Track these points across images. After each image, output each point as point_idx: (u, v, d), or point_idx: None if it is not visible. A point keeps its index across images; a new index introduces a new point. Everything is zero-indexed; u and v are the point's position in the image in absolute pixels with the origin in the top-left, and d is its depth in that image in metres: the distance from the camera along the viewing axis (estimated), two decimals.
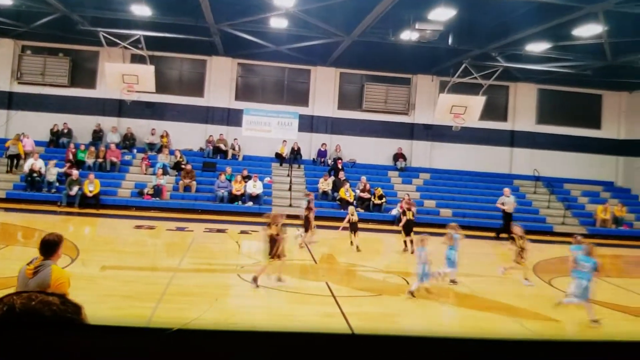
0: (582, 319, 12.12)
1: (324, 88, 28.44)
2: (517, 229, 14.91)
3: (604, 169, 29.44)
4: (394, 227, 23.08)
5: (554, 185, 27.80)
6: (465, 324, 11.05)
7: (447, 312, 11.84)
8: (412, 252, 17.87)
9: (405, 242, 18.02)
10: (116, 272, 12.71)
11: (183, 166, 25.65)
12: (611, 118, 29.90)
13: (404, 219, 18.18)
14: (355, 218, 17.96)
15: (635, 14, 16.14)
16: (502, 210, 22.37)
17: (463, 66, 24.16)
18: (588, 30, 18.42)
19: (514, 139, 29.21)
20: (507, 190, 23.35)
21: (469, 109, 24.84)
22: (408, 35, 19.97)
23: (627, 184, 29.29)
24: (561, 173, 28.65)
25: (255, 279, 12.12)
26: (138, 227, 19.56)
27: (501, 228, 21.99)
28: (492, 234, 23.20)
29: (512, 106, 29.46)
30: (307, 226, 17.54)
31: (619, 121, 29.86)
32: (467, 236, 22.53)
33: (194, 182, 25.09)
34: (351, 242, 18.18)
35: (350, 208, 18.50)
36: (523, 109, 29.31)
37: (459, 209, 25.43)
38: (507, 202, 22.45)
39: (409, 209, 18.40)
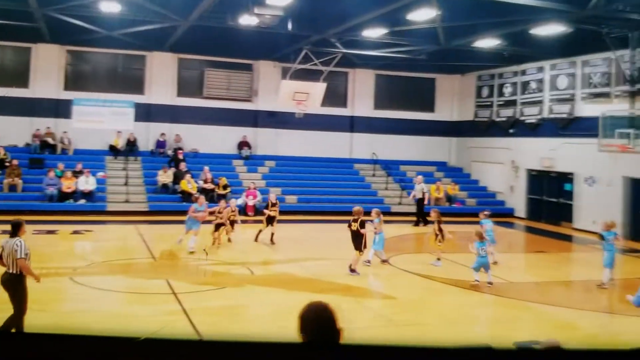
0: (420, 295, 13.13)
1: (162, 75, 27.82)
2: (433, 214, 16.10)
3: (438, 150, 31.50)
4: (239, 217, 23.31)
5: (391, 167, 29.38)
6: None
7: (288, 298, 12.25)
8: (272, 242, 18.15)
9: (260, 231, 18.19)
10: None
11: (7, 163, 24.04)
12: (444, 101, 31.95)
13: (267, 212, 18.30)
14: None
15: None
16: (413, 197, 24.17)
17: (303, 52, 24.68)
18: (422, 15, 19.23)
19: (353, 124, 30.38)
20: (418, 177, 24.91)
21: (311, 96, 25.45)
22: (247, 20, 20.03)
23: (459, 163, 31.61)
24: (398, 155, 30.24)
25: (353, 270, 14.07)
26: None
27: (416, 214, 23.71)
28: (337, 217, 24.15)
29: (352, 92, 30.59)
30: None
31: (452, 104, 31.98)
32: (312, 221, 23.44)
33: (20, 181, 23.62)
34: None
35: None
36: (361, 95, 30.52)
37: (304, 194, 26.13)
38: (416, 189, 24.15)
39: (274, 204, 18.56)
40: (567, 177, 24.81)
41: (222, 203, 18.40)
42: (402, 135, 30.53)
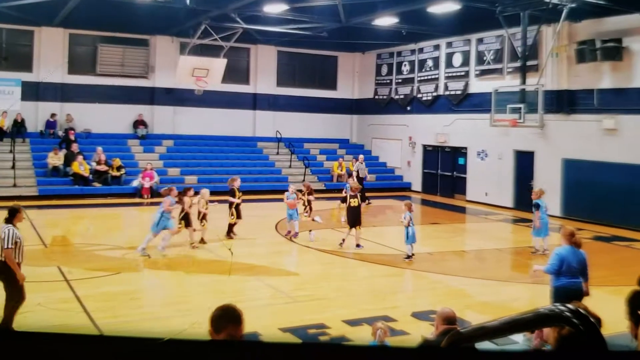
0: (322, 270, 13.21)
1: (51, 51, 26.29)
2: (304, 187, 16.60)
3: (340, 128, 31.84)
4: (135, 200, 22.80)
5: (294, 145, 29.36)
6: (209, 289, 11.36)
7: (187, 281, 12.03)
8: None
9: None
10: None
11: None
12: (346, 79, 32.22)
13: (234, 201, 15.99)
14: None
15: None
16: (356, 176, 23.89)
17: (203, 27, 24.07)
18: None
19: (256, 102, 30.08)
20: (361, 157, 25.10)
21: (211, 72, 24.95)
22: None
23: (360, 140, 32.09)
24: (301, 133, 30.25)
25: (359, 244, 14.78)
26: None
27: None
28: (245, 197, 23.92)
29: (254, 69, 30.21)
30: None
31: (353, 82, 32.34)
32: (213, 201, 23.08)
33: None
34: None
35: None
36: (264, 71, 30.20)
37: (205, 174, 25.69)
38: (361, 168, 24.13)
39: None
40: (460, 152, 25.63)
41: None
42: (305, 113, 30.60)
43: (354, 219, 14.74)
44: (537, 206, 14.62)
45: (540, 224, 14.55)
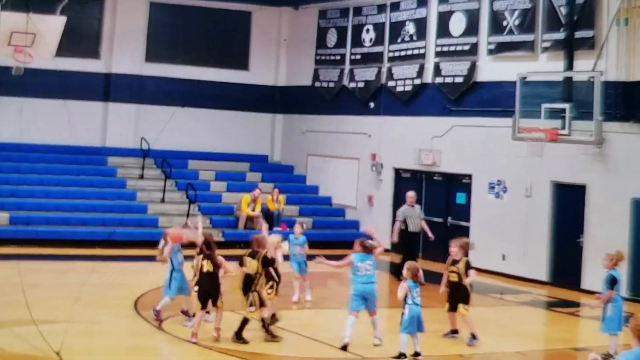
0: None
1: None
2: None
3: (253, 136, 31.86)
4: None
5: (172, 164, 28.98)
6: None
7: None
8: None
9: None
10: None
11: None
12: (266, 52, 32.53)
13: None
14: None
15: None
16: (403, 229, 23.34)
17: None
18: None
19: (110, 88, 30.10)
20: (411, 194, 23.83)
21: (39, 38, 24.19)
22: None
23: (287, 157, 32.23)
24: (184, 144, 30.22)
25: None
26: None
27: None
28: (76, 251, 23.60)
29: (109, 33, 30.37)
30: None
31: (278, 57, 32.62)
32: (32, 256, 22.35)
33: None
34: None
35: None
36: (125, 39, 30.32)
37: (21, 211, 25.69)
38: (411, 215, 23.22)
39: None
40: (460, 182, 26.01)
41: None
42: (193, 109, 30.61)
43: (458, 296, 16.12)
44: (613, 281, 14.40)
45: (612, 312, 14.33)
